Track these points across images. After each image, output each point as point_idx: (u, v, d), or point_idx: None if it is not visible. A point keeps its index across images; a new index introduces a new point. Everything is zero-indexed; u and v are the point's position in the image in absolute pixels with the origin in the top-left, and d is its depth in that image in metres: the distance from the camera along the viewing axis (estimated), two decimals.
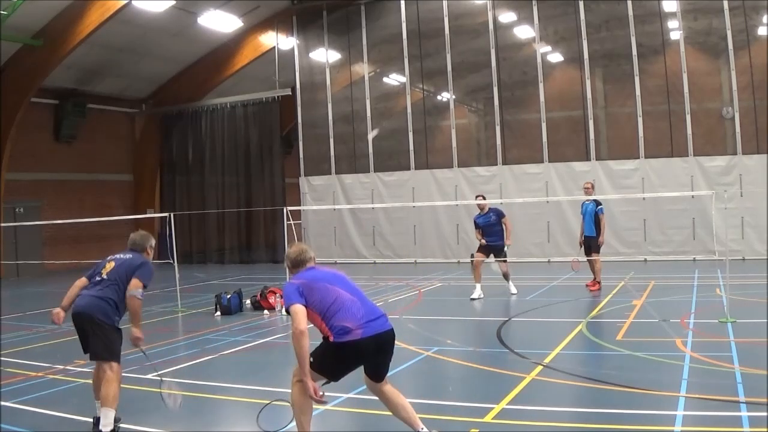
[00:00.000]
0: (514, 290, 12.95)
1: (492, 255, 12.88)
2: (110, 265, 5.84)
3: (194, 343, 9.45)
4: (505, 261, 12.91)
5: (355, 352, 4.74)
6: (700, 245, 18.04)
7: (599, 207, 13.15)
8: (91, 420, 5.79)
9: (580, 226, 13.75)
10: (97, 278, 5.79)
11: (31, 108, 21.40)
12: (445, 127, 22.26)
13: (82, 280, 5.94)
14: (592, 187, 13.83)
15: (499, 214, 12.88)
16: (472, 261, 13.20)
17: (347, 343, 4.66)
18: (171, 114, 26.25)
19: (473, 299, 12.49)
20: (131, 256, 5.93)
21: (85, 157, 24.35)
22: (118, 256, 5.98)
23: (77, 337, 5.73)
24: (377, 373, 4.94)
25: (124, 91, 25.45)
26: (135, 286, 5.64)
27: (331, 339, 4.70)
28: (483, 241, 12.86)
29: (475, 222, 13.20)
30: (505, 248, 12.90)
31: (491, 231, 12.83)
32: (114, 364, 5.56)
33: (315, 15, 23.37)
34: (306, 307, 4.74)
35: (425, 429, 4.90)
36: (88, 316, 5.58)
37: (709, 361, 7.22)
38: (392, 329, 4.89)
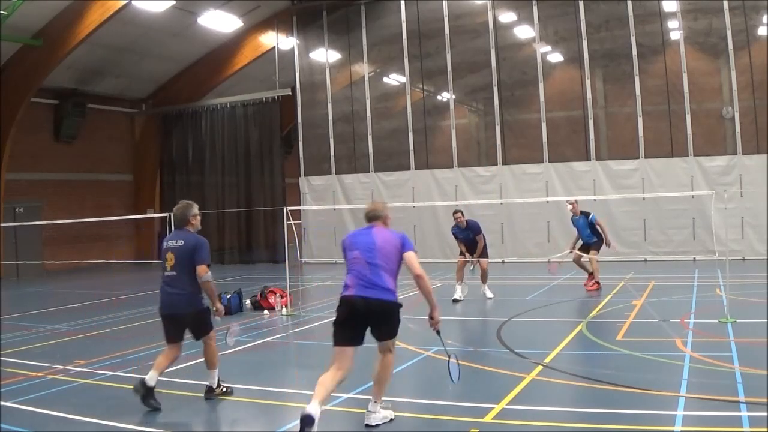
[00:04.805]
0: (490, 294, 12.58)
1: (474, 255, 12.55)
2: (171, 258, 6.52)
3: (194, 343, 9.42)
4: (486, 259, 12.61)
5: (348, 307, 5.51)
6: (700, 245, 18.03)
7: (591, 217, 13.15)
8: (91, 420, 5.85)
9: (573, 237, 13.63)
10: (167, 274, 6.54)
11: (31, 108, 21.38)
12: (445, 127, 22.25)
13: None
14: (576, 202, 13.61)
15: (476, 231, 12.52)
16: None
17: (343, 297, 5.54)
18: (171, 114, 26.23)
19: (455, 300, 12.27)
20: (183, 242, 6.56)
21: (85, 157, 24.33)
22: (171, 244, 6.61)
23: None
24: (376, 335, 5.66)
25: (124, 91, 25.44)
26: (203, 272, 6.42)
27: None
28: (467, 255, 12.58)
29: (454, 234, 12.83)
30: (471, 268, 12.56)
31: (472, 243, 12.61)
32: (211, 333, 6.60)
33: (315, 15, 23.37)
34: None
35: (380, 406, 5.57)
36: (171, 316, 6.53)
37: (709, 361, 7.22)
38: (383, 301, 5.47)
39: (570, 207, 13.44)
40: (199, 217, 6.82)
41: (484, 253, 12.60)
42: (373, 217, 5.90)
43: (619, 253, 18.60)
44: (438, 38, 21.50)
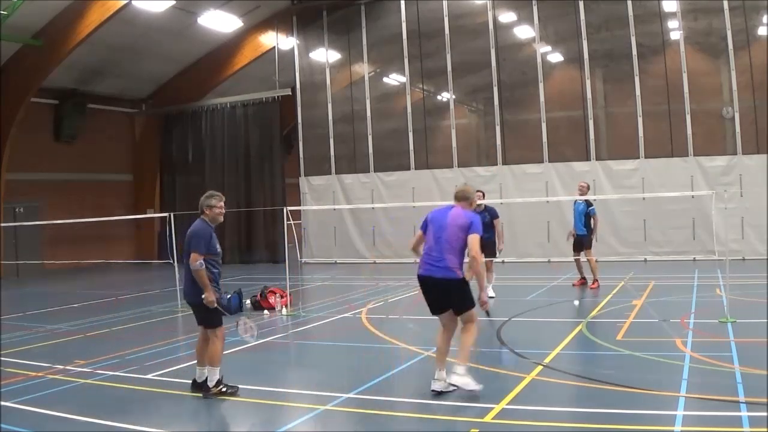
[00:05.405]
0: (491, 294, 12.31)
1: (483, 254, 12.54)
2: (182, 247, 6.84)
3: (194, 343, 9.42)
4: (492, 261, 12.56)
5: (419, 282, 6.48)
6: (700, 245, 18.02)
7: (590, 208, 13.27)
8: (91, 420, 5.82)
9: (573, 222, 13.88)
10: (184, 261, 6.75)
11: (31, 108, 21.36)
12: (445, 127, 22.25)
13: None
14: (588, 188, 13.77)
15: (493, 215, 12.47)
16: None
17: (418, 275, 6.46)
18: (171, 114, 26.23)
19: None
20: (190, 230, 6.71)
21: (85, 157, 24.32)
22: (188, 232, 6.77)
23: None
24: (448, 307, 6.41)
25: (124, 91, 25.44)
26: (193, 260, 6.53)
27: None
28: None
29: None
30: (497, 253, 12.51)
31: (486, 229, 12.56)
32: (217, 330, 6.66)
33: (315, 15, 23.36)
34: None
35: (462, 371, 6.13)
36: (187, 301, 6.86)
37: (709, 361, 7.22)
38: (442, 279, 6.25)
39: (581, 188, 13.49)
40: (216, 209, 6.75)
41: (493, 252, 12.48)
42: (460, 197, 6.58)
43: (620, 253, 18.64)
44: (438, 38, 21.49)
